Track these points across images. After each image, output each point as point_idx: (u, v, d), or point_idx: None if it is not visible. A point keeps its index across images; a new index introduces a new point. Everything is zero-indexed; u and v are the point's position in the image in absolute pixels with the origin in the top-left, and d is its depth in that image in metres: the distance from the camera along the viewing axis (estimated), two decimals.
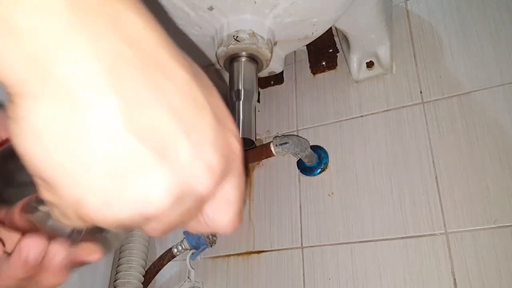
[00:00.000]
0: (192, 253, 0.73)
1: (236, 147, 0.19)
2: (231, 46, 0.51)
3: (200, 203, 0.18)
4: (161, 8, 0.50)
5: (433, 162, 0.65)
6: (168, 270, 0.76)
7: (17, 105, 0.15)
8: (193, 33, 0.55)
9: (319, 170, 0.72)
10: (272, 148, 0.64)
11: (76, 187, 0.16)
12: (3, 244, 0.23)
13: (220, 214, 0.20)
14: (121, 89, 0.15)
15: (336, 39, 0.81)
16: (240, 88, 0.53)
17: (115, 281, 0.71)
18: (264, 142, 0.79)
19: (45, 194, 0.17)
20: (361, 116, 0.73)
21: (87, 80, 0.15)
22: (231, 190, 0.20)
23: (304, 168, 0.73)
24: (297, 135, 0.74)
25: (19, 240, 0.23)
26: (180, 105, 0.17)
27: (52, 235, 0.22)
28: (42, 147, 0.15)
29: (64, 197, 0.16)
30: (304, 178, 0.73)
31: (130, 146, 0.16)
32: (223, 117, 0.19)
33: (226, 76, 0.58)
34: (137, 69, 0.16)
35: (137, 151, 0.16)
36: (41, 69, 0.14)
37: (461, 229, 0.59)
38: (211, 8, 0.50)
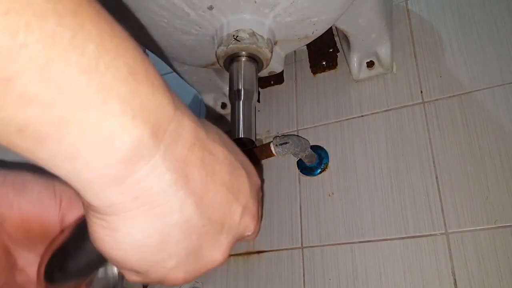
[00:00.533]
0: None
1: (259, 183, 0.24)
2: (231, 45, 0.51)
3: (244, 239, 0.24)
4: (161, 8, 0.50)
5: (434, 162, 0.64)
6: None
7: (111, 222, 0.18)
8: (192, 32, 0.55)
9: (319, 170, 0.72)
10: (272, 148, 0.64)
11: (163, 270, 0.20)
12: None
13: (250, 228, 0.24)
14: (192, 189, 0.19)
15: (336, 38, 0.81)
16: (240, 88, 0.52)
17: None
18: (264, 142, 0.79)
19: (131, 277, 0.21)
20: (362, 116, 0.73)
21: (169, 191, 0.18)
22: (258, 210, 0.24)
23: (304, 168, 0.73)
24: (297, 135, 0.74)
25: None
26: (227, 177, 0.21)
27: None
28: (136, 251, 0.18)
29: (152, 278, 0.20)
30: (304, 178, 0.73)
31: (203, 229, 0.20)
32: (247, 165, 0.23)
33: (226, 76, 0.57)
34: (199, 166, 0.19)
35: (208, 229, 0.20)
36: (131, 187, 0.17)
37: (461, 229, 0.59)
38: (211, 8, 0.50)
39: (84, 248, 0.22)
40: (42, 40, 0.13)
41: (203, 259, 0.21)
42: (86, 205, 0.18)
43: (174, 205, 0.18)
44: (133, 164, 0.16)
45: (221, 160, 0.21)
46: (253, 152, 0.66)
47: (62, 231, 0.26)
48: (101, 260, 0.23)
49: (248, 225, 0.23)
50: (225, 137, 0.23)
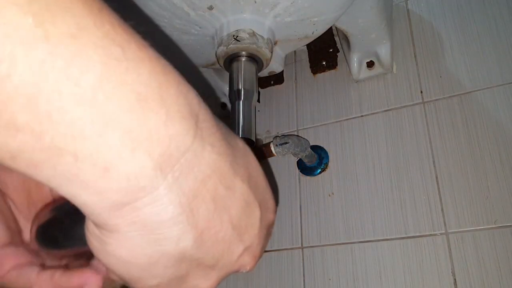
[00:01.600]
0: None
1: (272, 220, 0.23)
2: (231, 45, 0.51)
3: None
4: (160, 8, 0.50)
5: (434, 162, 0.64)
6: None
7: (104, 235, 0.17)
8: (192, 32, 0.55)
9: (319, 170, 0.72)
10: (272, 148, 0.64)
11: (144, 285, 0.19)
12: None
13: (247, 267, 0.23)
14: (195, 223, 0.18)
15: (336, 38, 0.81)
16: (240, 88, 0.52)
17: None
18: (264, 142, 0.79)
19: (116, 278, 0.20)
20: (362, 116, 0.73)
21: (169, 223, 0.17)
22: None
23: (304, 168, 0.73)
24: (297, 135, 0.74)
25: None
26: (238, 215, 0.19)
27: None
28: (122, 265, 0.18)
29: (133, 287, 0.20)
30: (304, 178, 0.73)
31: (195, 261, 0.19)
32: (266, 199, 0.22)
33: (226, 76, 0.57)
34: (208, 201, 0.18)
35: (200, 262, 0.19)
36: (129, 213, 0.16)
37: (461, 229, 0.59)
38: (211, 8, 0.50)
39: (79, 220, 0.22)
40: (28, 71, 0.13)
41: (187, 286, 0.20)
42: (93, 225, 0.18)
43: (171, 237, 0.17)
44: (131, 194, 0.16)
45: (236, 196, 0.19)
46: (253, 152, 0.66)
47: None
48: None
49: (245, 265, 0.22)
50: (253, 167, 0.21)
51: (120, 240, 0.17)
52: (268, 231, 0.23)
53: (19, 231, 0.26)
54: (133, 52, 0.15)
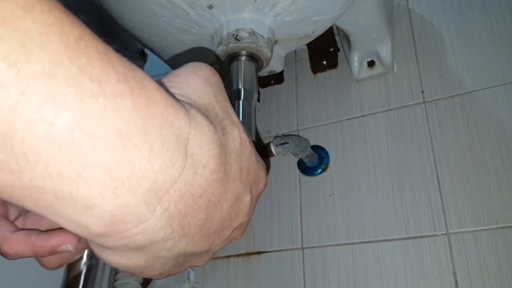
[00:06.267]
0: None
1: (262, 190, 0.25)
2: (231, 45, 0.51)
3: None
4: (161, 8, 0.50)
5: (435, 162, 0.64)
6: None
7: (101, 250, 0.18)
8: (192, 32, 0.54)
9: (319, 170, 0.71)
10: (272, 148, 0.63)
11: (148, 275, 0.21)
12: None
13: (236, 238, 0.24)
14: (186, 233, 0.18)
15: (337, 38, 0.80)
16: (240, 87, 0.52)
17: (114, 282, 0.71)
18: (264, 142, 0.79)
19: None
20: (362, 115, 0.73)
21: (160, 242, 0.17)
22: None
23: (305, 168, 0.73)
24: (298, 135, 0.73)
25: None
26: (228, 210, 0.20)
27: None
28: (124, 267, 0.19)
29: (138, 276, 0.22)
30: (305, 178, 0.73)
31: (189, 254, 0.20)
32: (257, 176, 0.23)
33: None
34: (199, 214, 0.18)
35: (195, 253, 0.20)
36: (120, 240, 0.16)
37: (462, 230, 0.59)
38: (210, 7, 0.50)
39: None
40: (1, 112, 0.12)
41: (186, 266, 0.22)
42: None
43: (164, 249, 0.18)
44: (118, 227, 0.16)
45: (227, 197, 0.20)
46: None
47: None
48: None
49: (235, 237, 0.23)
50: (246, 156, 0.21)
51: (117, 254, 0.18)
52: (257, 200, 0.24)
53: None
54: (112, 85, 0.14)
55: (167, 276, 0.22)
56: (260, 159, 0.24)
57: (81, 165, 0.14)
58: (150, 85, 0.16)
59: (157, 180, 0.15)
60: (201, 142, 0.17)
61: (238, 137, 0.20)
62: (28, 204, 0.14)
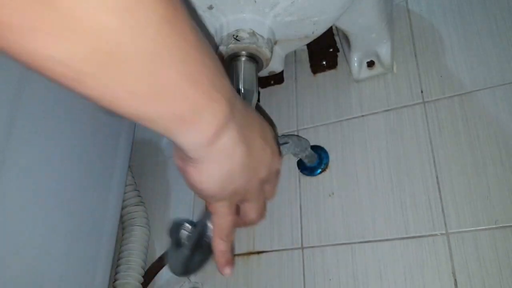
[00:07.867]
0: None
1: (279, 166, 0.38)
2: (230, 45, 0.51)
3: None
4: None
5: (434, 162, 0.64)
6: (168, 271, 0.75)
7: (198, 165, 0.28)
8: None
9: (319, 170, 0.72)
10: None
11: (230, 191, 0.32)
12: None
13: (277, 167, 0.37)
14: (245, 143, 0.30)
15: (336, 38, 0.81)
16: (240, 87, 0.52)
17: (114, 281, 0.71)
18: None
19: (218, 207, 0.34)
20: (362, 115, 0.73)
21: (234, 146, 0.29)
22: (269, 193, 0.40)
23: (305, 168, 0.73)
24: (297, 135, 0.74)
25: None
26: (261, 134, 0.33)
27: None
28: (216, 182, 0.30)
29: (230, 200, 0.34)
30: (305, 178, 0.73)
31: (250, 165, 0.31)
32: (274, 149, 0.35)
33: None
34: (248, 128, 0.30)
35: (252, 164, 0.32)
36: (215, 149, 0.27)
37: (462, 230, 0.59)
38: (210, 7, 0.50)
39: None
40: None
41: (241, 193, 0.34)
42: (183, 155, 0.27)
43: (236, 155, 0.29)
44: (221, 132, 0.26)
45: (256, 125, 0.32)
46: None
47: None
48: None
49: (269, 193, 0.40)
50: (264, 127, 0.34)
51: (211, 165, 0.28)
52: (276, 175, 0.38)
53: None
54: (201, 52, 0.25)
55: (232, 197, 0.33)
56: (275, 145, 0.36)
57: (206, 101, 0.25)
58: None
59: (231, 97, 0.27)
60: (239, 103, 0.30)
61: (255, 114, 0.35)
62: (169, 135, 0.25)
